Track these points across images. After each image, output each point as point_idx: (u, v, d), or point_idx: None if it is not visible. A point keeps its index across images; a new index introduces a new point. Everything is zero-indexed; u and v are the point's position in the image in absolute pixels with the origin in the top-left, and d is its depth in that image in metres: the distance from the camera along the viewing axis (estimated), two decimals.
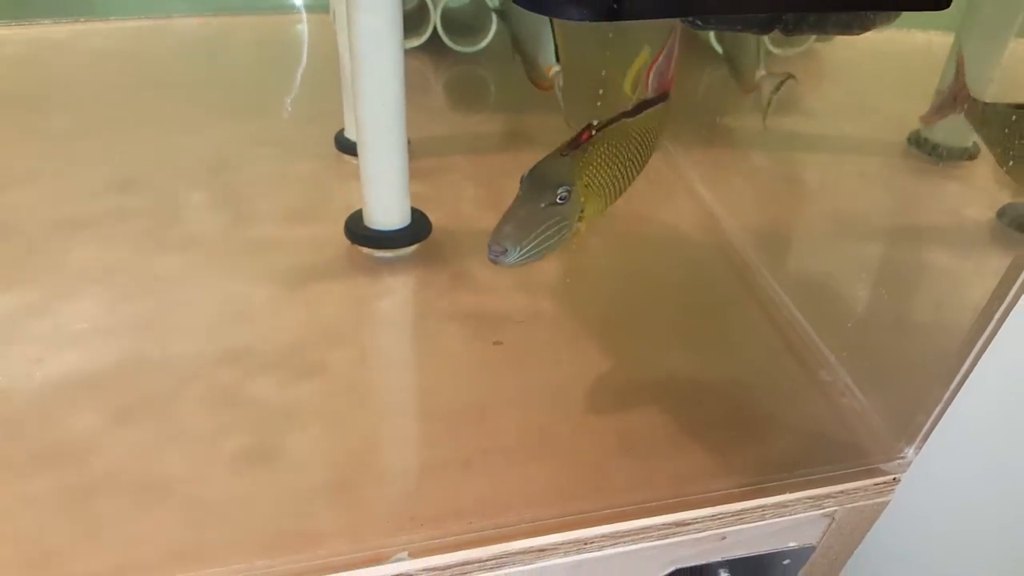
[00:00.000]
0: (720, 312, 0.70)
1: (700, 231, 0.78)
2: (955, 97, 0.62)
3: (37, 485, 0.50)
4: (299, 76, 1.05)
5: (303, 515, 0.50)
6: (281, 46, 1.15)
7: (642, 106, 0.54)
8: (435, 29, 1.05)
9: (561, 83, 0.77)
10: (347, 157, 0.85)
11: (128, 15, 1.17)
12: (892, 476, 0.56)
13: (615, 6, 0.31)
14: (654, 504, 0.53)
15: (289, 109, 0.95)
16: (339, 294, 0.68)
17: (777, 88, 0.75)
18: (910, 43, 0.77)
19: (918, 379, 0.54)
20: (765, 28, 0.61)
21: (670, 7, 0.33)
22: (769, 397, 0.61)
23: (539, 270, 0.71)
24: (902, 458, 0.56)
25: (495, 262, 0.46)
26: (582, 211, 0.48)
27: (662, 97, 0.56)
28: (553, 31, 0.76)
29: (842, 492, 0.56)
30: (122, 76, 1.02)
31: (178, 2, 1.21)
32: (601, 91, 0.51)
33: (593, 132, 0.50)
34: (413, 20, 1.10)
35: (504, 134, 0.92)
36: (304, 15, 1.23)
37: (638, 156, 0.53)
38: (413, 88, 1.03)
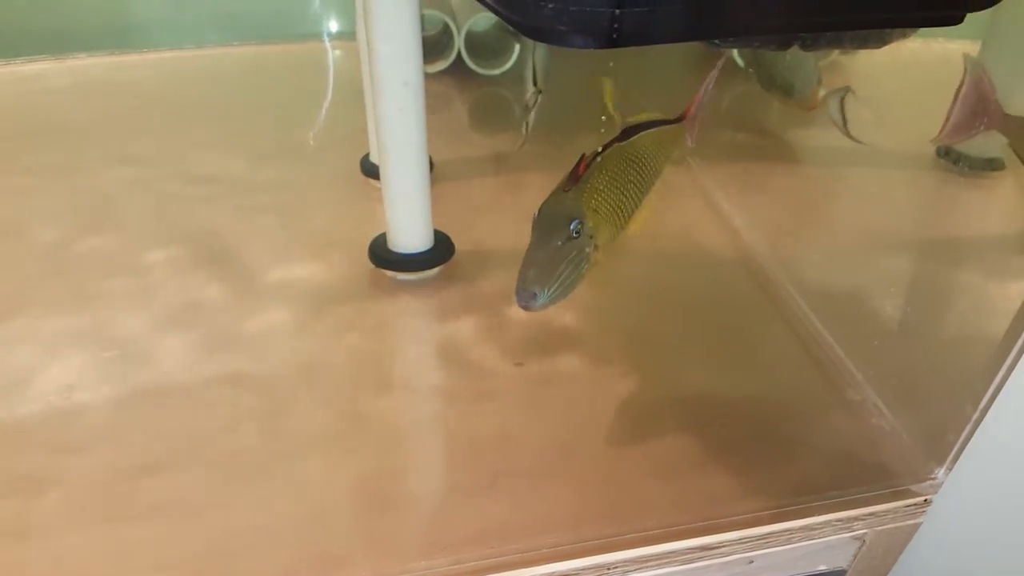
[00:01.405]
0: (745, 330, 0.69)
1: (724, 248, 0.77)
2: (975, 114, 0.60)
3: None
4: (328, 102, 1.06)
5: (322, 540, 0.51)
6: (312, 73, 1.17)
7: (630, 131, 0.54)
8: (459, 53, 1.06)
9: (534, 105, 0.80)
10: (373, 181, 0.87)
11: (162, 47, 1.20)
12: (923, 497, 0.55)
13: (615, 36, 0.31)
14: (679, 528, 0.52)
15: (313, 135, 0.97)
16: (361, 317, 0.69)
17: (842, 101, 0.74)
18: (935, 53, 0.76)
19: (948, 397, 0.53)
20: (784, 44, 0.61)
21: (671, 34, 0.33)
22: (796, 417, 0.60)
23: None
24: (933, 479, 0.55)
25: (526, 308, 0.46)
26: (595, 241, 0.48)
27: (658, 123, 0.56)
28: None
29: (872, 514, 0.54)
30: (153, 106, 1.05)
31: (211, 33, 1.24)
32: (604, 117, 0.51)
33: (587, 163, 0.50)
34: (438, 44, 1.11)
35: (527, 156, 0.93)
36: (329, 43, 1.25)
37: (641, 178, 0.53)
38: (438, 111, 1.04)
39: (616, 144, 0.52)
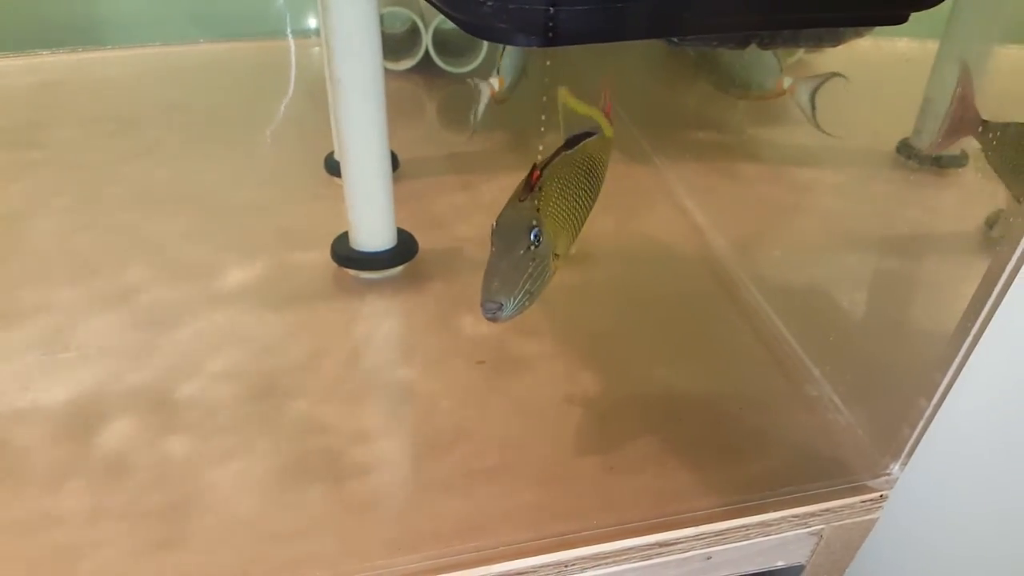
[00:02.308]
0: (706, 327, 0.70)
1: (686, 245, 0.77)
2: (961, 119, 0.59)
3: None
4: (289, 99, 1.06)
5: (279, 540, 0.50)
6: (279, 70, 1.16)
7: (575, 139, 0.54)
8: (427, 51, 1.06)
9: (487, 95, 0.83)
10: (337, 179, 0.86)
11: (127, 44, 1.19)
12: (879, 493, 0.55)
13: (550, 35, 0.31)
14: (637, 524, 0.52)
15: (271, 132, 0.96)
16: (324, 316, 0.68)
17: (815, 91, 0.74)
18: (895, 51, 0.76)
19: (902, 393, 0.53)
20: (742, 43, 0.61)
21: (610, 33, 0.33)
22: (754, 413, 0.61)
23: None
24: (888, 474, 0.56)
25: (492, 320, 0.46)
26: (555, 250, 0.48)
27: (593, 132, 0.56)
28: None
29: (828, 510, 0.55)
30: (115, 104, 1.04)
31: (177, 30, 1.22)
32: (544, 116, 0.51)
33: (540, 171, 0.49)
34: (406, 42, 1.11)
35: (494, 154, 0.92)
36: (294, 40, 1.24)
37: (589, 184, 0.53)
38: (405, 109, 1.04)
39: (564, 152, 0.52)
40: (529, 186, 0.49)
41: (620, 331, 0.69)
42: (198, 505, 0.52)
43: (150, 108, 1.03)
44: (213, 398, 0.60)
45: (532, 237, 0.46)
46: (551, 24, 0.32)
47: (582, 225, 0.52)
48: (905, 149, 0.80)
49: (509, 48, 0.89)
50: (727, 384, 0.63)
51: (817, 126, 0.74)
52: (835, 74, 0.73)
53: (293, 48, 1.20)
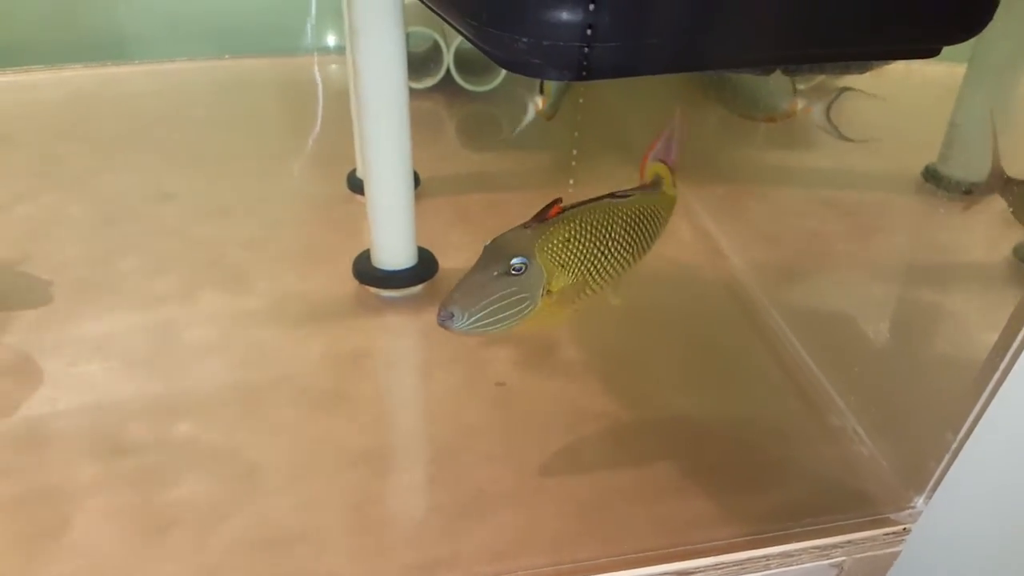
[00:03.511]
0: (726, 352, 0.69)
1: (707, 268, 0.77)
2: (996, 177, 0.59)
3: None
4: (318, 117, 1.06)
5: (302, 559, 0.50)
6: (303, 87, 1.17)
7: (627, 192, 0.53)
8: (448, 69, 1.07)
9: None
10: (359, 197, 0.86)
11: (155, 59, 1.20)
12: (902, 526, 0.54)
13: (584, 72, 0.31)
14: (656, 552, 0.52)
15: (302, 152, 0.97)
16: (345, 334, 0.68)
17: (828, 109, 0.73)
18: (922, 75, 0.76)
19: (928, 425, 0.52)
20: (767, 69, 0.61)
21: (644, 67, 0.33)
22: (775, 441, 0.60)
23: None
24: (912, 507, 0.55)
25: (442, 326, 0.46)
26: (547, 287, 0.48)
27: (656, 184, 0.55)
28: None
29: (850, 542, 0.54)
30: (141, 119, 1.05)
31: (205, 46, 1.24)
32: (575, 151, 0.51)
33: (561, 207, 0.49)
34: (427, 61, 1.11)
35: (515, 173, 0.92)
36: (317, 58, 1.25)
37: (630, 239, 0.51)
38: (426, 128, 1.04)
39: (607, 200, 0.51)
40: (541, 216, 0.48)
41: (642, 355, 0.68)
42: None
43: (174, 122, 1.04)
44: (225, 412, 0.60)
45: (514, 263, 0.46)
46: (585, 62, 0.32)
47: (607, 276, 0.51)
48: (931, 175, 0.79)
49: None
50: (748, 411, 0.63)
51: (845, 138, 0.73)
52: (846, 89, 0.72)
53: (317, 66, 1.21)
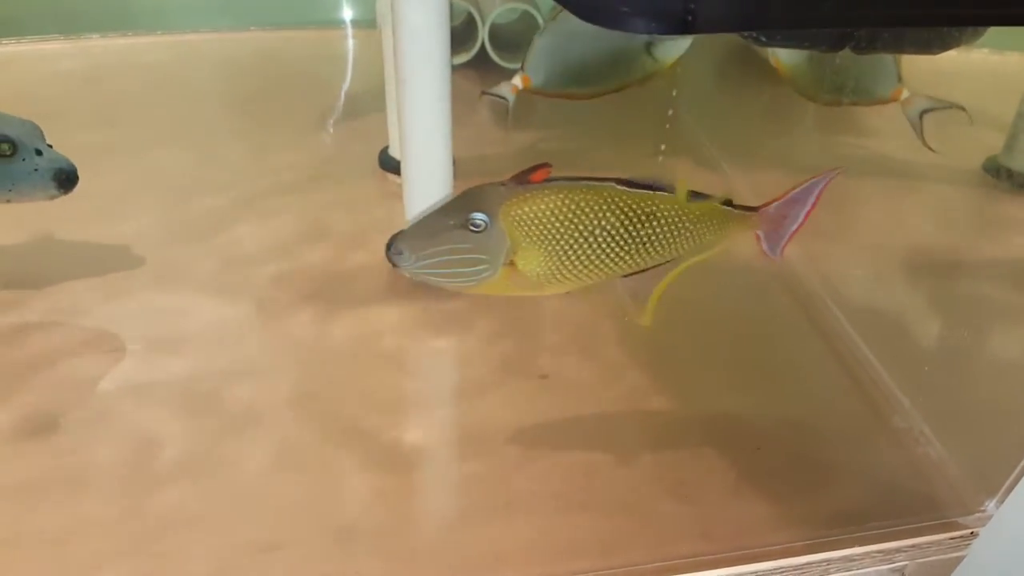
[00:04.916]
0: (783, 347, 0.66)
1: (759, 259, 0.74)
2: None
3: None
4: (344, 93, 1.03)
5: (337, 559, 0.48)
6: (327, 61, 1.14)
7: (637, 183, 0.45)
8: (483, 45, 1.03)
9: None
10: (392, 176, 0.84)
11: (176, 30, 1.18)
12: (970, 530, 0.52)
13: (688, 20, 0.28)
14: (709, 557, 0.50)
15: (331, 128, 0.94)
16: (376, 320, 0.66)
17: (929, 111, 0.71)
18: (986, 65, 0.72)
19: (1002, 427, 0.50)
20: (835, 46, 0.57)
21: (741, 21, 0.30)
22: (836, 442, 0.57)
23: (586, 299, 0.68)
24: (982, 511, 0.52)
25: (390, 260, 0.43)
26: (510, 256, 0.44)
27: (664, 187, 0.46)
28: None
29: (914, 546, 0.52)
30: (166, 91, 1.02)
31: (227, 17, 1.21)
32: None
33: (548, 174, 0.43)
34: (461, 36, 1.08)
35: (551, 152, 0.89)
36: (349, 30, 1.22)
37: (630, 239, 0.45)
38: (460, 105, 1.01)
39: (611, 183, 0.44)
40: (522, 177, 0.44)
41: (691, 349, 0.66)
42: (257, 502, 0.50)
43: (199, 95, 1.01)
44: (260, 400, 0.58)
45: (474, 217, 0.42)
46: (692, 7, 0.28)
47: (587, 273, 0.45)
48: (993, 167, 0.75)
49: (540, 44, 0.86)
50: (807, 410, 0.60)
51: (924, 143, 0.71)
52: (957, 106, 0.69)
53: (351, 40, 1.18)
